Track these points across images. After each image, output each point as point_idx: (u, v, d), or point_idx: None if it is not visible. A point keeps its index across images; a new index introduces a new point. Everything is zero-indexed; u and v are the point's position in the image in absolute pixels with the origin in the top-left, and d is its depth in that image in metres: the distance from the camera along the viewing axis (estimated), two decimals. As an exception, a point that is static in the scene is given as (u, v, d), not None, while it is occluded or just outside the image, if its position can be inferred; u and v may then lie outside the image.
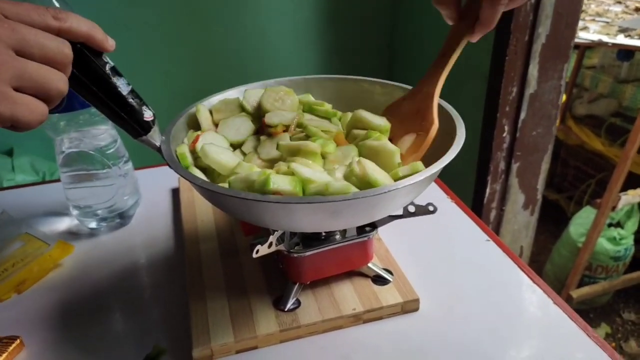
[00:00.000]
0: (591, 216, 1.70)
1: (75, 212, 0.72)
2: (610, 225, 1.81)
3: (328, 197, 0.41)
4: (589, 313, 1.91)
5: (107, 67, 0.44)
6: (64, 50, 0.38)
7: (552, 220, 2.23)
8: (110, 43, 0.42)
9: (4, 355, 0.53)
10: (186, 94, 1.60)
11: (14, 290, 0.63)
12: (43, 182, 0.88)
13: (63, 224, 0.75)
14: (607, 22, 2.06)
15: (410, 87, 0.60)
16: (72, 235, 0.73)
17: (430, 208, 0.54)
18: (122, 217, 0.74)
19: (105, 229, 0.74)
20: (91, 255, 0.69)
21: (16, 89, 0.35)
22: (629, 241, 1.79)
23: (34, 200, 0.81)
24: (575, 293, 1.73)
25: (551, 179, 2.38)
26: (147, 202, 0.79)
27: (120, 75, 0.45)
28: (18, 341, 0.55)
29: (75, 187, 0.70)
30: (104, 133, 0.69)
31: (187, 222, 0.71)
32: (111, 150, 0.69)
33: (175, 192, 0.83)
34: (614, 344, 1.78)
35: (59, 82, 0.38)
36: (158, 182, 0.84)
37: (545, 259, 2.00)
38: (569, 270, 1.76)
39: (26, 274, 0.65)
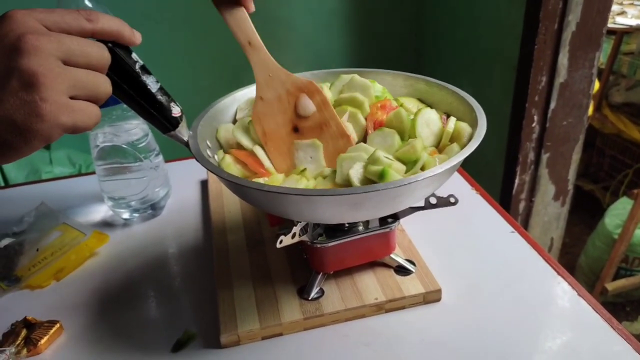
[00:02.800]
0: (627, 207, 1.65)
1: (109, 203, 0.76)
2: (647, 216, 1.76)
3: (349, 189, 0.42)
4: (625, 306, 1.86)
5: (137, 66, 0.46)
6: (104, 54, 0.40)
7: (587, 211, 2.18)
8: (137, 37, 0.44)
9: (45, 337, 0.56)
10: (214, 87, 1.63)
11: (53, 278, 0.67)
12: (79, 174, 0.92)
13: (98, 214, 0.79)
14: (647, 6, 1.99)
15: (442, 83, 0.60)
16: (107, 225, 0.76)
17: (452, 200, 0.54)
18: (153, 208, 0.77)
19: (138, 219, 0.76)
20: (125, 244, 0.72)
21: (71, 98, 0.37)
22: (668, 233, 1.73)
23: (70, 192, 0.85)
24: (611, 286, 1.69)
25: (586, 169, 2.32)
26: (177, 193, 0.82)
27: (149, 73, 0.47)
28: (58, 325, 0.58)
29: (109, 180, 0.73)
30: (135, 127, 0.71)
31: (215, 213, 0.74)
32: (143, 144, 0.72)
33: (204, 184, 0.85)
34: (650, 339, 1.74)
35: (106, 84, 0.40)
36: (188, 174, 0.87)
37: (579, 251, 1.95)
38: (604, 262, 1.71)
39: (64, 263, 0.68)
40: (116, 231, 0.75)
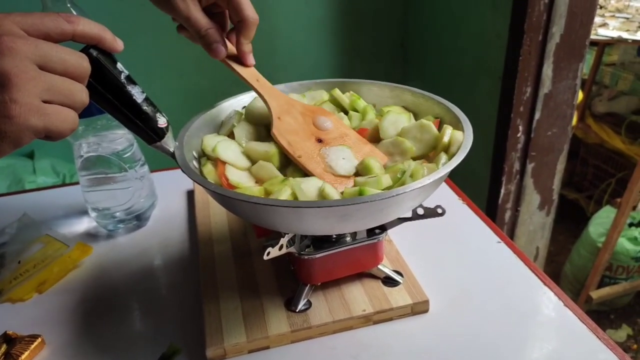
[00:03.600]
0: (611, 216, 1.67)
1: (93, 214, 0.74)
2: (630, 225, 1.78)
3: (337, 201, 0.42)
4: (610, 314, 1.88)
5: (123, 76, 0.46)
6: (83, 64, 0.40)
7: (571, 220, 2.20)
8: (119, 43, 0.44)
9: (26, 353, 0.55)
10: (201, 96, 1.62)
11: (35, 291, 0.65)
12: (63, 184, 0.91)
13: (82, 225, 0.78)
14: (627, 18, 2.03)
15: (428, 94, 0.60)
16: (91, 236, 0.75)
17: (439, 210, 0.54)
18: (139, 219, 0.76)
19: (123, 230, 0.75)
20: (109, 256, 0.71)
21: (45, 102, 0.37)
22: (651, 241, 1.76)
23: (53, 203, 0.83)
24: (595, 294, 1.71)
25: (570, 178, 2.35)
26: (163, 204, 0.81)
27: (135, 83, 0.47)
28: (39, 340, 0.57)
29: (93, 190, 0.72)
30: (120, 137, 0.71)
31: (201, 224, 0.73)
32: (128, 154, 0.71)
33: (191, 195, 0.84)
34: (635, 346, 1.76)
35: (82, 93, 0.40)
36: (174, 184, 0.86)
37: (564, 259, 1.97)
38: (589, 270, 1.73)
39: (47, 275, 0.67)
40: (100, 243, 0.74)
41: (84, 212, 0.79)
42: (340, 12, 1.66)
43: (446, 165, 0.46)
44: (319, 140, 0.56)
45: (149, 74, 1.56)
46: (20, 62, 0.35)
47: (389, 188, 0.47)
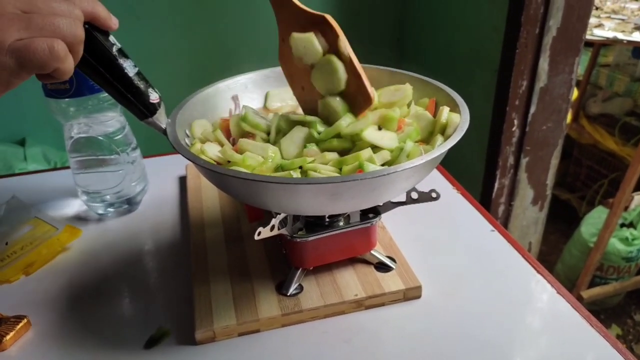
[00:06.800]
0: (603, 216, 1.68)
1: (84, 197, 0.73)
2: (622, 225, 1.79)
3: (329, 178, 0.42)
4: (600, 314, 1.88)
5: (114, 49, 0.45)
6: (77, 31, 0.39)
7: (564, 219, 2.21)
8: (113, 21, 0.43)
9: (11, 333, 0.54)
10: (194, 81, 1.61)
11: (22, 272, 0.64)
12: (53, 169, 0.89)
13: (72, 209, 0.77)
14: (623, 20, 2.03)
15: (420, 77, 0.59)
16: (81, 220, 0.74)
17: (434, 195, 0.54)
18: (129, 203, 0.75)
19: (113, 214, 0.74)
20: (99, 239, 0.70)
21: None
22: (642, 242, 1.76)
23: (43, 186, 0.82)
24: (586, 293, 1.71)
25: (563, 179, 2.36)
26: (155, 189, 0.80)
27: (127, 57, 0.46)
28: (25, 321, 0.56)
29: (83, 173, 0.71)
30: (112, 119, 0.70)
31: (193, 208, 0.72)
32: (119, 137, 0.70)
33: (183, 180, 0.83)
34: (625, 346, 1.76)
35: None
36: (166, 169, 0.85)
37: (556, 259, 1.98)
38: (580, 270, 1.74)
39: (34, 257, 0.66)
40: (90, 226, 0.73)
41: (74, 195, 0.78)
42: (337, 7, 1.65)
43: (441, 146, 0.45)
44: (313, 67, 0.52)
45: (144, 58, 1.55)
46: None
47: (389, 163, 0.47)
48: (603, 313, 1.89)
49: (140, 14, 1.50)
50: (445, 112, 0.52)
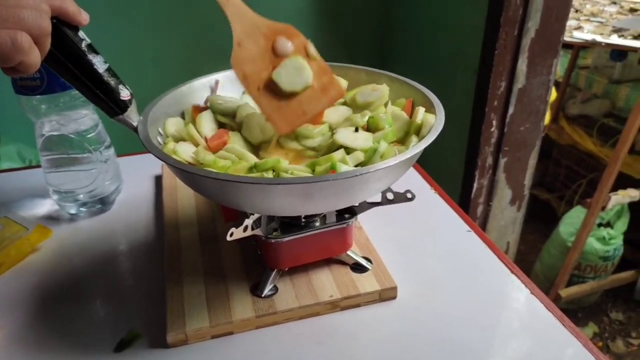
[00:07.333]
0: (581, 216, 1.70)
1: (55, 196, 0.72)
2: (600, 225, 1.82)
3: (301, 178, 0.41)
4: (577, 312, 1.91)
5: (83, 44, 0.44)
6: (43, 23, 0.38)
7: (543, 219, 2.23)
8: (84, 16, 0.42)
9: (-24, 337, 0.52)
10: (174, 78, 1.59)
11: (-10, 273, 0.62)
12: (24, 167, 0.87)
13: (43, 208, 0.75)
14: (602, 22, 2.06)
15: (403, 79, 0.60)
16: (52, 220, 0.72)
17: (409, 195, 0.53)
18: (103, 203, 0.73)
19: (86, 214, 0.73)
20: (70, 240, 0.69)
21: None
22: (618, 241, 1.79)
23: (14, 185, 0.80)
24: (564, 292, 1.73)
25: (543, 179, 2.39)
26: (129, 188, 0.79)
27: (97, 53, 0.45)
28: (-9, 323, 0.54)
29: (55, 171, 0.69)
30: (85, 117, 0.68)
31: (168, 208, 0.71)
32: (92, 134, 0.69)
33: (158, 180, 0.82)
34: (601, 343, 1.79)
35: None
36: (142, 169, 0.84)
37: (534, 258, 2.00)
38: (558, 269, 1.76)
39: (3, 258, 0.64)
40: (61, 226, 0.71)
41: (45, 195, 0.76)
42: (320, 6, 1.65)
43: (414, 147, 0.45)
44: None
45: (124, 54, 1.52)
46: None
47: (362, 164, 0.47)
48: (580, 311, 1.92)
49: (120, 10, 1.47)
50: (420, 112, 0.52)
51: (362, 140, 0.50)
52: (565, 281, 1.74)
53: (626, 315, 1.89)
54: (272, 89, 0.52)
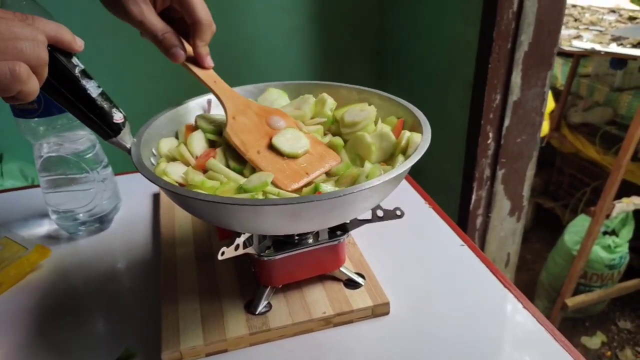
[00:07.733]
0: (586, 224, 1.69)
1: (54, 216, 0.73)
2: (605, 233, 1.81)
3: (287, 199, 0.42)
4: (585, 321, 1.89)
5: (77, 70, 0.45)
6: (40, 54, 0.39)
7: (548, 228, 2.22)
8: (78, 44, 0.43)
9: (-25, 357, 0.53)
10: (173, 97, 1.61)
11: (-11, 293, 0.63)
12: (24, 187, 0.89)
13: (42, 228, 0.76)
14: (601, 31, 2.07)
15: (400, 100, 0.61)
16: (51, 239, 0.74)
17: (398, 212, 0.54)
18: (101, 222, 0.74)
19: (85, 233, 0.74)
20: (69, 259, 0.70)
21: None
22: (624, 249, 1.78)
23: (14, 205, 0.82)
24: (571, 301, 1.72)
25: (546, 187, 2.38)
26: (127, 207, 0.80)
27: (90, 77, 0.46)
28: (-10, 344, 0.55)
29: (54, 192, 0.71)
30: (82, 138, 0.70)
31: (165, 226, 0.72)
32: (89, 155, 0.70)
33: (156, 198, 0.83)
34: (609, 353, 1.77)
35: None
36: (140, 187, 0.85)
37: (540, 267, 1.99)
38: (564, 278, 1.75)
39: (3, 277, 0.65)
40: (61, 245, 0.72)
41: (45, 215, 0.77)
42: (317, 21, 1.66)
43: (399, 167, 0.46)
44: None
45: (121, 73, 1.54)
46: None
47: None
48: (588, 320, 1.90)
49: (117, 30, 1.49)
50: (406, 135, 0.53)
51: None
52: (571, 290, 1.73)
53: (634, 323, 1.87)
54: (273, 151, 0.55)
